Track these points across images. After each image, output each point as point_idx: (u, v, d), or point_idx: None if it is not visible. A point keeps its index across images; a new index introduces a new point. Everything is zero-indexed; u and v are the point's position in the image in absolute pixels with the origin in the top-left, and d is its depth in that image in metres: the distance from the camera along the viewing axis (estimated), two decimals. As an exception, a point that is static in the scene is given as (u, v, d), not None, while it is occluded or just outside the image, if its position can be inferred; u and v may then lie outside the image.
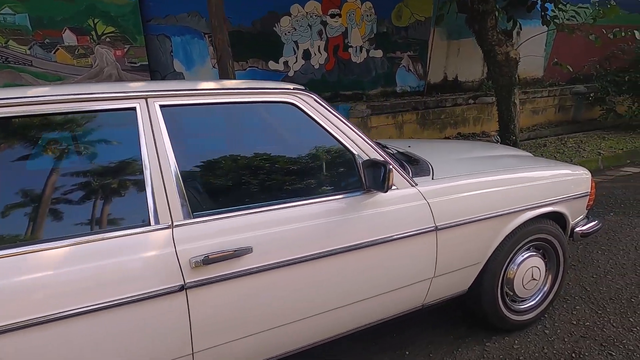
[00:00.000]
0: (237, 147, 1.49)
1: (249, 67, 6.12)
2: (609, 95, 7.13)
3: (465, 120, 7.24)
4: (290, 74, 6.43)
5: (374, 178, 1.39)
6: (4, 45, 4.59)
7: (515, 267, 1.86)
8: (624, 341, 1.85)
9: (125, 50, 5.15)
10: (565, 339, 1.88)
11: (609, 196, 3.84)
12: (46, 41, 4.75)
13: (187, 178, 1.24)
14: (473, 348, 1.84)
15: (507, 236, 1.75)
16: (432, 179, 1.64)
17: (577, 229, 2.04)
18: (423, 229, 1.51)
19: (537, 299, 1.96)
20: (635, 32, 4.22)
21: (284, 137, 1.60)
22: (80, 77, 5.01)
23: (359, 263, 1.41)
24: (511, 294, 1.88)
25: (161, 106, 1.22)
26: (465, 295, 1.80)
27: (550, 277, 1.99)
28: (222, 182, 1.37)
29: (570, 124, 8.06)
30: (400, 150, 2.09)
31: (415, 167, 1.76)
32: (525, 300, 1.95)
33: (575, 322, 2.00)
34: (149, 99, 1.21)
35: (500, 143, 4.16)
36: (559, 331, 1.94)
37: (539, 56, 8.53)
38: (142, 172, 1.17)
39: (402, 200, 1.49)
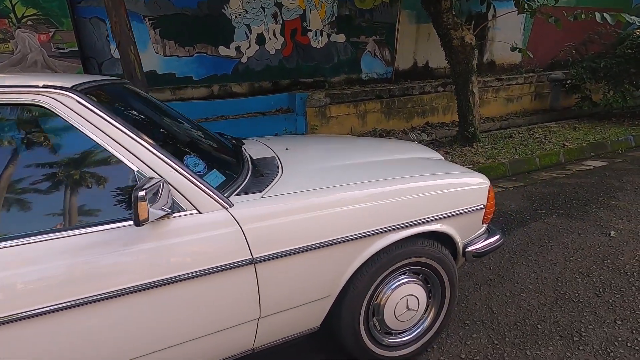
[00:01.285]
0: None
1: (197, 52, 5.71)
2: (584, 83, 6.76)
3: (434, 109, 6.88)
4: (244, 60, 6.02)
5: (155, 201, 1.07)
6: None
7: (386, 296, 1.57)
8: (512, 383, 1.58)
9: (51, 34, 4.73)
10: (445, 380, 1.61)
11: (558, 195, 3.54)
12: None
13: None
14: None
15: (365, 263, 1.45)
16: (262, 197, 1.32)
17: (469, 248, 1.74)
18: (231, 263, 1.20)
19: (416, 332, 1.68)
20: (597, 14, 3.83)
21: (32, 149, 1.20)
22: (1, 64, 4.61)
23: (128, 311, 1.11)
24: (379, 328, 1.59)
25: None
26: (319, 331, 1.51)
27: (434, 306, 1.70)
28: None
29: (547, 113, 7.71)
30: (263, 156, 1.76)
31: (251, 180, 1.44)
32: (402, 333, 1.66)
33: (464, 356, 1.72)
34: None
35: (416, 141, 3.82)
36: (441, 368, 1.67)
37: (517, 41, 8.10)
38: None
39: (201, 228, 1.18)
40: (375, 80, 7.10)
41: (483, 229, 1.80)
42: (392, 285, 1.58)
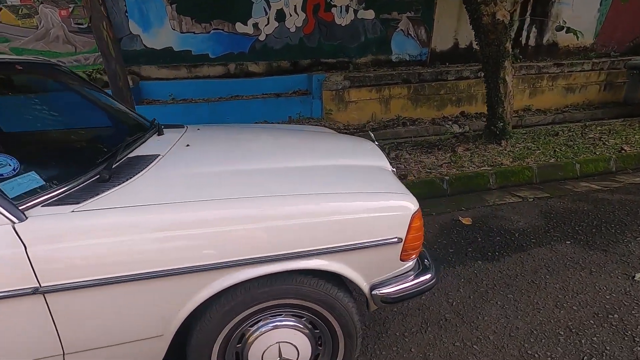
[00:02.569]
0: None
1: (213, 29, 5.56)
2: (671, 72, 5.47)
3: (472, 98, 6.09)
4: (262, 37, 5.76)
5: None
6: (-51, 5, 4.54)
7: (252, 340, 1.27)
8: None
9: (70, 10, 4.86)
10: None
11: (587, 214, 2.84)
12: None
13: None
14: None
15: (213, 299, 1.15)
16: (74, 210, 1.07)
17: (378, 291, 1.34)
18: (11, 291, 0.98)
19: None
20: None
21: None
22: (26, 39, 4.85)
23: None
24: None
25: None
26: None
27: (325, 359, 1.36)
28: None
29: (617, 107, 6.43)
30: (146, 153, 1.50)
31: (84, 187, 1.19)
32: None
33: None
34: None
35: (375, 141, 3.20)
36: None
37: (590, 19, 6.81)
38: None
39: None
40: (407, 62, 6.43)
41: (406, 266, 1.38)
42: (261, 327, 1.27)
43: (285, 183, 1.33)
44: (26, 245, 0.99)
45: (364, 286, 1.32)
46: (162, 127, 2.07)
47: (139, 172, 1.32)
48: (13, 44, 4.82)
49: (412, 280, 1.38)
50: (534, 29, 6.73)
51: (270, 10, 5.64)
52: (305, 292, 1.23)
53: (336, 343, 1.34)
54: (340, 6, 5.86)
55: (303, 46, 5.97)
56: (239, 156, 1.58)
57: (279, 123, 5.42)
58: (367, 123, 5.77)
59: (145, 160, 1.44)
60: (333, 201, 1.23)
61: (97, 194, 1.16)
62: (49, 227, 1.03)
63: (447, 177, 3.44)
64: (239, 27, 5.63)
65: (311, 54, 6.05)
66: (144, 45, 5.41)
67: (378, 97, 5.72)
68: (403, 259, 1.34)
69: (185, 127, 2.07)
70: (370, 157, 1.76)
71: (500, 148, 4.15)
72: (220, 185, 1.28)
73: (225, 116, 5.31)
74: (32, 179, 1.13)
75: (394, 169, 1.74)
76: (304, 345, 1.30)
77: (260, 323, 1.28)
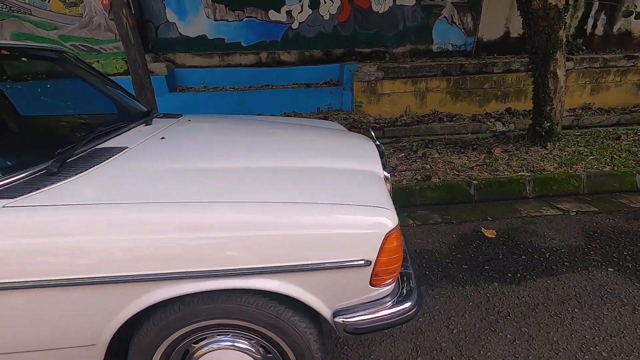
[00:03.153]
0: None
1: (246, 17, 5.50)
2: None
3: (521, 93, 5.51)
4: (295, 25, 5.61)
5: None
6: (8, -7, 4.88)
7: (196, 357, 1.15)
8: None
9: (110, -2, 5.02)
10: None
11: (636, 235, 2.39)
12: (42, -10, 4.89)
13: None
14: None
15: (149, 311, 1.05)
16: (4, 206, 1.00)
17: (341, 318, 1.15)
18: None
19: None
20: None
21: None
22: (72, 26, 5.11)
23: None
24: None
25: None
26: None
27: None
28: None
29: (703, 108, 5.48)
30: (115, 145, 1.42)
31: (30, 180, 1.11)
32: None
33: None
34: None
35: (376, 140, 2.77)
36: None
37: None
38: None
39: None
40: (450, 53, 5.95)
41: (378, 292, 1.17)
42: (204, 347, 1.14)
43: (240, 187, 1.18)
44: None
45: (325, 312, 1.13)
46: (159, 116, 2.00)
47: (94, 166, 1.24)
48: (61, 31, 5.11)
49: (387, 308, 1.17)
50: (602, 16, 5.90)
51: (304, -4, 5.46)
52: (252, 313, 1.08)
53: (292, 374, 1.18)
54: (379, -9, 5.52)
55: (337, 34, 5.73)
56: (208, 154, 1.45)
57: (306, 115, 5.28)
58: (399, 117, 5.43)
59: (109, 153, 1.35)
60: (287, 212, 1.06)
61: (38, 189, 1.08)
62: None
63: (475, 182, 3.09)
64: (272, 15, 5.52)
65: (345, 43, 5.79)
66: (179, 33, 5.48)
67: (414, 89, 5.35)
68: (374, 284, 1.14)
69: (179, 118, 1.99)
70: (362, 159, 1.55)
71: (545, 151, 3.67)
72: (162, 185, 1.15)
73: (254, 105, 5.26)
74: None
75: (388, 175, 1.52)
76: (254, 372, 1.16)
77: (206, 341, 1.15)
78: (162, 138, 1.55)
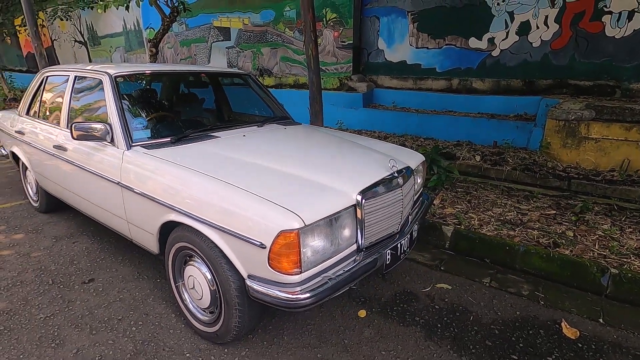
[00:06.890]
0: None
1: (446, 44, 5.71)
2: None
3: None
4: (495, 53, 5.35)
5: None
6: (282, 31, 7.15)
7: (187, 264, 1.87)
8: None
9: (340, 32, 6.40)
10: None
11: None
12: (300, 28, 6.85)
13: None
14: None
15: (164, 225, 1.86)
16: (144, 152, 2.01)
17: (249, 281, 1.49)
18: (110, 177, 2.09)
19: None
20: None
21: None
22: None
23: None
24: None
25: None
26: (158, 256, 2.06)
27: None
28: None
29: None
30: (216, 135, 2.28)
31: (164, 142, 2.09)
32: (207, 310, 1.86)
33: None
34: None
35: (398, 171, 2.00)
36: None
37: None
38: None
39: (112, 155, 2.11)
40: None
41: (283, 277, 1.43)
42: (189, 262, 1.84)
43: (241, 174, 1.72)
44: (123, 161, 2.04)
45: (242, 271, 1.56)
46: (279, 122, 2.80)
47: (192, 142, 2.13)
48: (303, 55, 6.97)
49: (285, 293, 1.46)
50: None
51: (512, 22, 5.06)
52: (204, 248, 1.67)
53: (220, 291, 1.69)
54: (620, 12, 4.39)
55: (546, 63, 4.96)
56: (257, 152, 2.01)
57: (480, 145, 4.95)
58: (608, 172, 4.20)
59: (207, 138, 2.22)
60: (234, 193, 1.57)
61: (160, 147, 2.07)
62: (129, 155, 2.03)
63: (616, 270, 2.28)
64: (472, 42, 5.43)
65: (556, 73, 4.94)
66: (385, 58, 6.30)
67: (636, 138, 4.01)
68: (273, 267, 1.46)
69: (288, 126, 2.71)
70: (345, 183, 1.73)
71: None
72: (212, 164, 1.84)
73: (430, 128, 5.43)
74: (145, 133, 2.19)
75: (361, 200, 1.67)
76: (204, 285, 1.75)
77: (190, 260, 1.84)
78: (244, 135, 2.32)
